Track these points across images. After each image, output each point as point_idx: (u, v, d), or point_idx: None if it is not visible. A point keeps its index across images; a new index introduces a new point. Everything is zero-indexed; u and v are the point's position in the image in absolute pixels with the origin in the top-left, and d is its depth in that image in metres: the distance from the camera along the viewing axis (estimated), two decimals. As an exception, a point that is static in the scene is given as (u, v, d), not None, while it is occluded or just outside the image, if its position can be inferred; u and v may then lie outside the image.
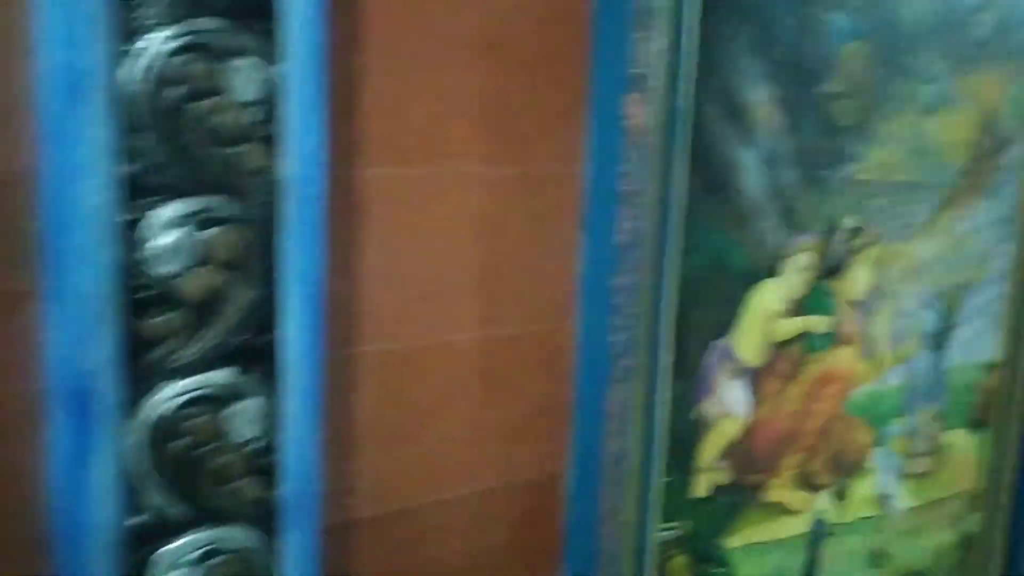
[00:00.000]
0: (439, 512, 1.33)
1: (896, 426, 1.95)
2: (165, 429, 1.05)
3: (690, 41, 1.43)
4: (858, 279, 1.81)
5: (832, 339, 1.80)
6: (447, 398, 1.31)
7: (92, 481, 1.00)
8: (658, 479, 1.59)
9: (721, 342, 1.64)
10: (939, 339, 1.99)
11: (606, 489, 1.46)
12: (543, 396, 1.40)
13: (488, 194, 1.29)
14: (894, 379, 1.93)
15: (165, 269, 1.02)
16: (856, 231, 1.78)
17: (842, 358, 1.82)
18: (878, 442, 1.93)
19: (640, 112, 1.35)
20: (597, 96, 1.37)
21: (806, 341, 1.75)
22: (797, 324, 1.73)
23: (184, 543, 1.08)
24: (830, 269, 1.76)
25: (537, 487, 1.42)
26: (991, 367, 2.10)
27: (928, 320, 1.95)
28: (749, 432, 1.71)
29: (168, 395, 1.05)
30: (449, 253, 1.28)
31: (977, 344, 2.06)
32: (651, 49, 1.38)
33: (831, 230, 1.74)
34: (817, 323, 1.76)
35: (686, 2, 1.41)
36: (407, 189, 1.23)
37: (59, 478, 0.99)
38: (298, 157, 1.06)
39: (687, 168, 1.49)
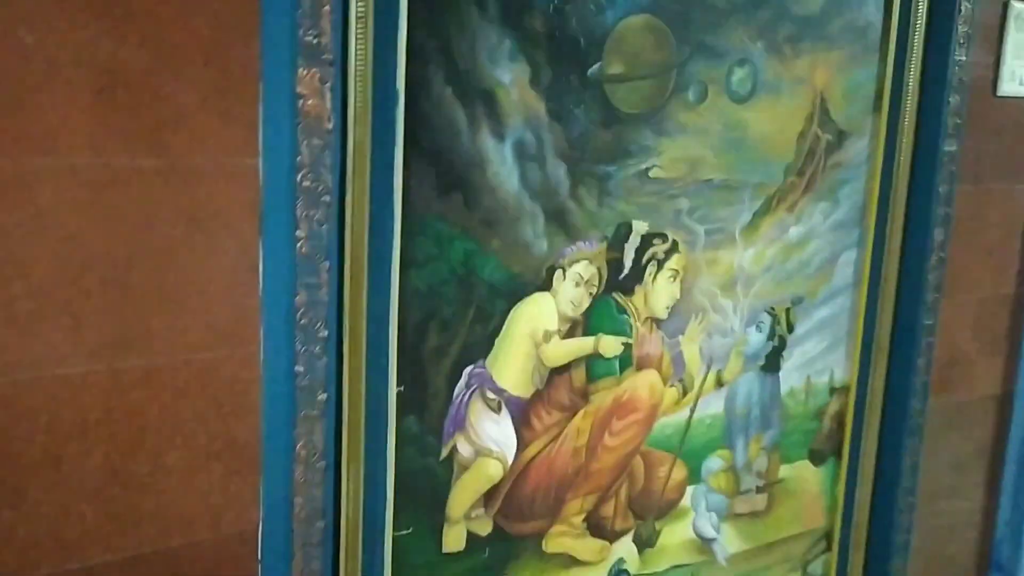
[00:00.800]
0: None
1: (716, 460, 1.71)
2: None
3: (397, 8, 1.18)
4: (659, 293, 1.56)
5: (628, 363, 1.55)
6: (60, 447, 1.05)
7: None
8: (390, 534, 1.34)
9: (475, 368, 1.39)
10: (771, 360, 1.74)
11: (303, 552, 1.20)
12: (214, 439, 1.15)
13: (109, 192, 1.04)
14: (713, 406, 1.69)
15: None
16: (654, 237, 1.53)
17: (642, 385, 1.57)
18: (694, 479, 1.69)
19: (316, 92, 1.10)
20: (271, 70, 1.12)
21: (593, 366, 1.51)
22: (578, 346, 1.48)
23: None
24: (621, 281, 1.51)
25: (212, 550, 1.17)
26: (838, 390, 1.86)
27: (755, 339, 1.70)
28: (518, 473, 1.46)
29: None
30: (53, 266, 1.03)
31: (820, 364, 1.82)
32: (347, 13, 1.13)
33: (620, 236, 1.49)
34: (607, 345, 1.51)
35: None
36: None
37: None
38: None
39: (404, 163, 1.24)
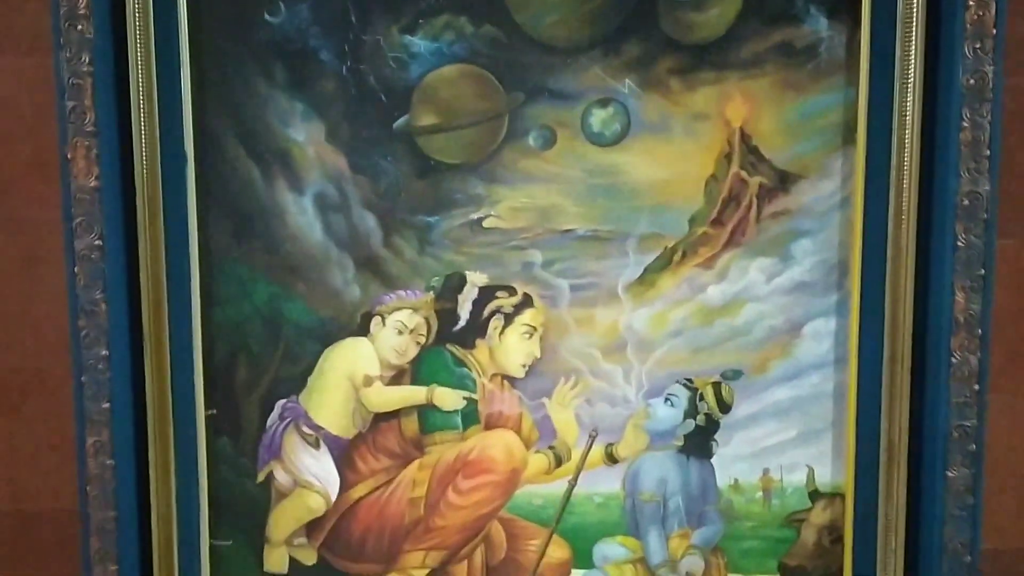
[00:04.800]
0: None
1: (616, 548, 1.48)
2: None
3: (177, 80, 1.40)
4: (510, 349, 1.46)
5: (472, 419, 1.48)
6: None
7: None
8: (206, 541, 1.50)
9: (288, 402, 1.49)
10: (694, 442, 1.46)
11: (100, 536, 1.44)
12: (38, 433, 1.46)
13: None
14: (605, 484, 1.48)
15: None
16: (497, 290, 1.46)
17: (494, 445, 1.47)
18: (584, 563, 1.49)
19: (82, 156, 1.38)
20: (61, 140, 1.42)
21: (428, 417, 1.48)
22: (408, 394, 1.47)
23: None
24: (457, 334, 1.47)
25: (38, 520, 1.47)
26: (824, 496, 1.47)
27: (663, 414, 1.46)
28: (343, 511, 1.50)
29: None
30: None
31: (783, 458, 1.46)
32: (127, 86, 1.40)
33: (452, 287, 1.46)
34: (443, 396, 1.47)
35: (176, 32, 1.39)
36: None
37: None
38: None
39: (200, 214, 1.44)
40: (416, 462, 1.50)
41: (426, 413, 1.49)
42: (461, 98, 1.43)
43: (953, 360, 1.37)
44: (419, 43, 1.42)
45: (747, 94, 1.41)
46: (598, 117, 1.43)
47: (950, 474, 1.39)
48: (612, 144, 1.43)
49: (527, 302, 1.46)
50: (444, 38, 1.42)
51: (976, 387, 1.38)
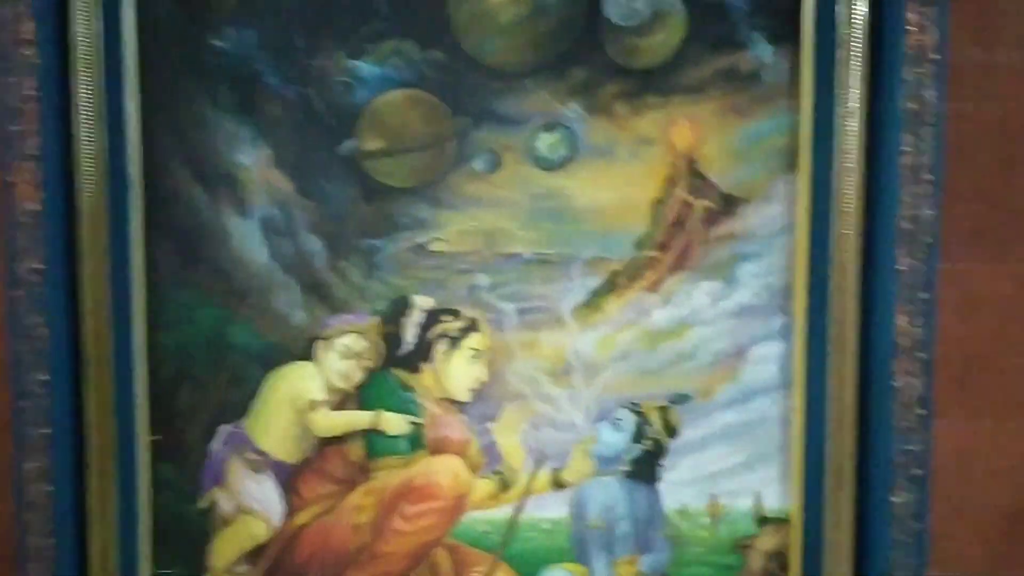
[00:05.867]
0: None
1: (561, 573, 1.47)
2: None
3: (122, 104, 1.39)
4: (456, 374, 1.46)
5: (418, 444, 1.47)
6: None
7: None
8: (147, 569, 1.48)
9: (233, 428, 1.47)
10: (640, 467, 1.46)
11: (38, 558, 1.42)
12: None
13: None
14: (552, 510, 1.47)
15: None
16: (442, 314, 1.45)
17: (440, 470, 1.46)
18: (530, 590, 1.47)
19: (25, 180, 1.37)
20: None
21: (374, 442, 1.47)
22: (354, 419, 1.46)
23: None
24: (402, 358, 1.46)
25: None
26: (772, 521, 1.46)
27: (610, 438, 1.45)
28: (288, 538, 1.48)
29: None
30: None
31: (732, 483, 1.46)
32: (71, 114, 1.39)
33: (399, 310, 1.46)
34: (388, 421, 1.46)
35: (123, 51, 1.39)
36: None
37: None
38: None
39: (145, 238, 1.43)
40: (361, 488, 1.48)
41: (372, 438, 1.47)
42: (408, 122, 1.43)
43: (896, 384, 1.37)
44: (366, 68, 1.42)
45: (692, 119, 1.42)
46: (544, 141, 1.43)
47: (896, 499, 1.39)
48: (558, 168, 1.43)
49: (473, 326, 1.45)
50: (391, 63, 1.42)
51: (921, 411, 1.38)
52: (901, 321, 1.37)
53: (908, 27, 1.34)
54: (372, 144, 1.44)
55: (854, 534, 1.42)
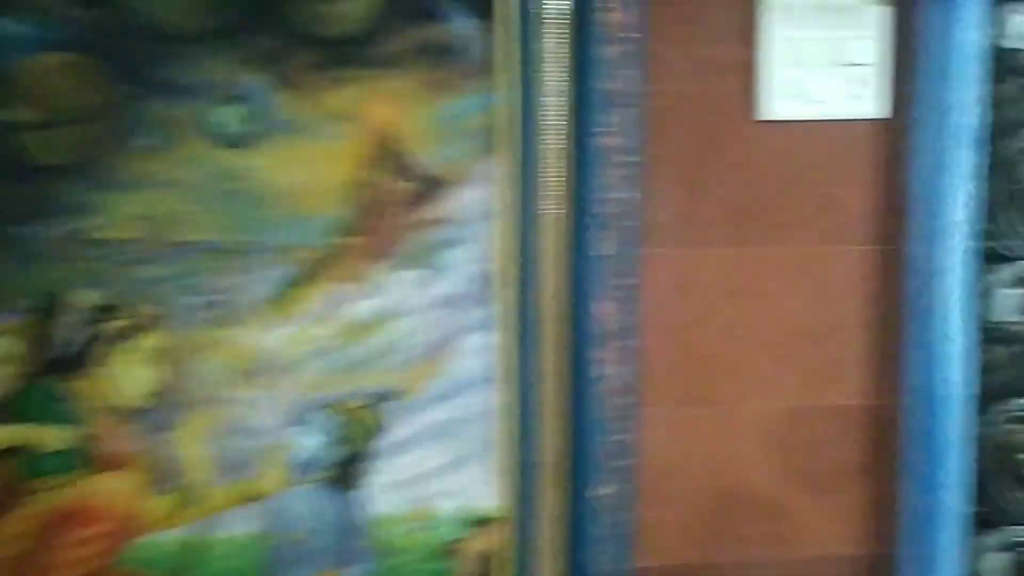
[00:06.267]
0: None
1: (255, 596, 1.34)
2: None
3: None
4: (125, 379, 1.29)
5: (81, 460, 1.29)
6: None
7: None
8: None
9: None
10: (341, 473, 1.35)
11: None
12: None
13: None
14: (244, 526, 1.33)
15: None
16: (108, 310, 1.28)
17: (106, 489, 1.29)
18: (220, 617, 1.33)
19: None
20: None
21: (28, 460, 1.27)
22: None
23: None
24: (56, 363, 1.27)
25: None
26: (482, 523, 1.39)
27: (305, 442, 1.33)
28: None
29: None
30: None
31: (440, 485, 1.37)
32: None
33: (54, 308, 1.27)
34: (41, 436, 1.27)
35: None
36: None
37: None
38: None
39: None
40: (15, 515, 1.27)
41: (27, 456, 1.27)
42: (62, 90, 1.24)
43: (602, 373, 1.33)
44: (11, 25, 1.22)
45: (390, 94, 1.31)
46: (224, 115, 1.28)
47: (604, 491, 1.35)
48: (241, 146, 1.29)
49: (145, 324, 1.28)
50: (41, 20, 1.23)
51: (627, 400, 1.34)
52: (607, 307, 1.33)
53: (608, 4, 1.31)
54: (20, 114, 1.24)
55: (566, 530, 1.37)
